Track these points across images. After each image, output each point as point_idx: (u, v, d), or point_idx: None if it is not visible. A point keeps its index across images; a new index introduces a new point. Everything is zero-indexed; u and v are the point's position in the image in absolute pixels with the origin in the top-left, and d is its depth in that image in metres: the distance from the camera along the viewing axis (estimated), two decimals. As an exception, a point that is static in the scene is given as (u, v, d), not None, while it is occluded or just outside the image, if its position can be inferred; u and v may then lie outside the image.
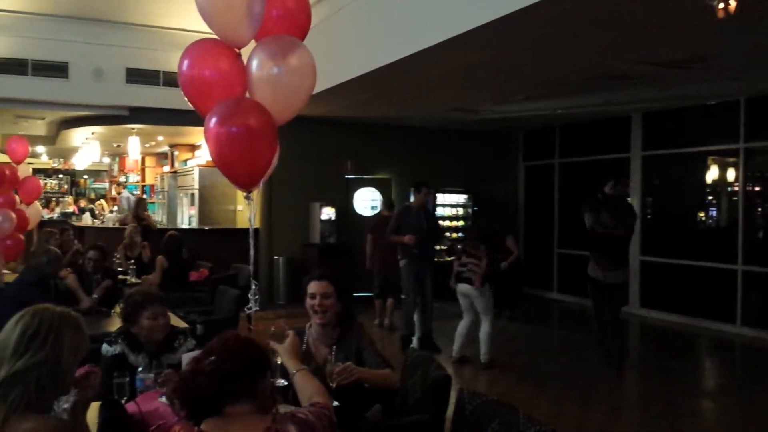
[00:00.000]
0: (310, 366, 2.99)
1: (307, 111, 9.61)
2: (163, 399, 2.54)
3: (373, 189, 10.49)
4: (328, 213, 10.11)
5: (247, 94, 3.08)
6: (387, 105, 9.02)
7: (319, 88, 7.90)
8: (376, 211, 9.83)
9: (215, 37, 3.06)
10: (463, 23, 5.24)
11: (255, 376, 1.79)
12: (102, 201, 16.17)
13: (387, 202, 8.91)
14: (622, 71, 6.69)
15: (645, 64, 6.34)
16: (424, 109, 9.38)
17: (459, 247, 6.73)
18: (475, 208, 10.98)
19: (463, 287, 6.42)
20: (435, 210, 10.37)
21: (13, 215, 7.30)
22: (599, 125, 10.31)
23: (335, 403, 2.50)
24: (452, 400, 2.93)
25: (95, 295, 5.31)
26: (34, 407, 1.72)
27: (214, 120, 2.96)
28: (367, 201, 10.47)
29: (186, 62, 3.07)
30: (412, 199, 7.53)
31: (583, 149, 10.75)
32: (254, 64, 3.01)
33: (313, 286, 2.98)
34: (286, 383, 2.52)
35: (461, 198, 11.07)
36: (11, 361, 1.74)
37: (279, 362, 2.50)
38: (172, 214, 13.07)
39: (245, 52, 3.14)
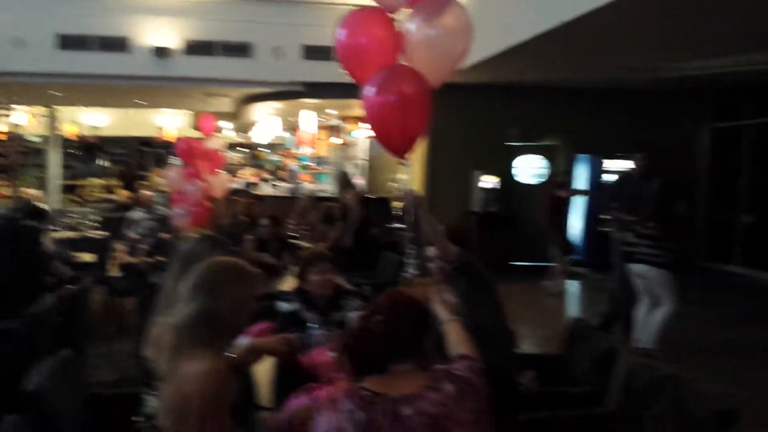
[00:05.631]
0: None
1: (470, 78, 9.55)
2: (332, 354, 2.70)
3: (538, 156, 10.19)
4: (489, 181, 10.01)
5: (403, 59, 3.10)
6: (556, 68, 8.61)
7: (485, 54, 7.80)
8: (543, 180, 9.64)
9: (373, 4, 3.10)
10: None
11: (420, 336, 1.84)
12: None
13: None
14: None
15: None
16: (599, 70, 8.79)
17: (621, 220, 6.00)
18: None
19: (636, 267, 5.69)
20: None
21: (202, 184, 8.01)
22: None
23: None
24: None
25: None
26: (205, 347, 1.88)
27: (369, 89, 3.02)
28: (531, 169, 10.20)
29: (343, 32, 3.14)
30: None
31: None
32: (409, 27, 3.01)
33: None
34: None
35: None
36: (185, 305, 1.95)
37: None
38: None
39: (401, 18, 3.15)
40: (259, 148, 19.50)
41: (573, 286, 8.92)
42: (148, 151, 17.53)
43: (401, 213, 2.90)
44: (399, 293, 1.92)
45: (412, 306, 1.86)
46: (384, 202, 10.67)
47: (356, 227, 7.24)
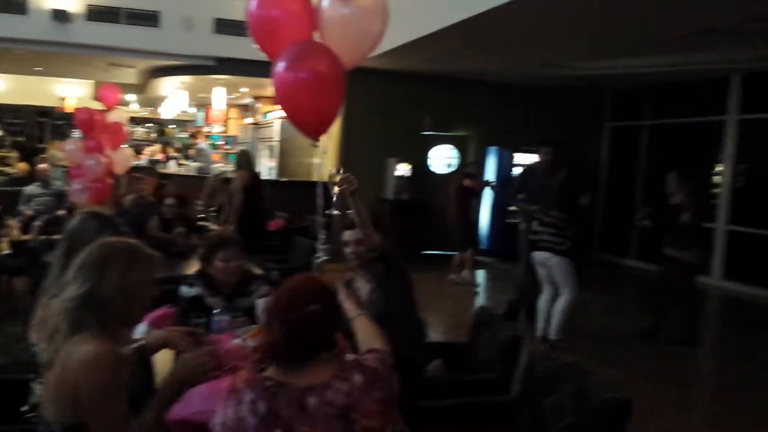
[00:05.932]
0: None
1: (386, 65, 9.56)
2: (238, 341, 2.61)
3: (450, 146, 10.33)
4: (403, 169, 10.07)
5: (317, 36, 3.02)
6: (472, 59, 8.75)
7: (401, 40, 7.82)
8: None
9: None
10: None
11: (339, 324, 1.82)
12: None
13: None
14: (731, 27, 6.26)
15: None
16: (512, 64, 9.03)
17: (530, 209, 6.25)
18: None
19: (538, 255, 5.84)
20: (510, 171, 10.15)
21: (103, 159, 7.60)
22: (693, 86, 9.75)
23: None
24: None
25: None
26: (91, 332, 1.78)
27: (281, 64, 2.92)
28: (443, 159, 10.33)
29: (254, 2, 3.01)
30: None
31: (674, 111, 10.22)
32: (324, 4, 2.94)
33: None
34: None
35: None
36: (71, 286, 1.83)
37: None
38: (252, 165, 13.37)
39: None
40: (168, 125, 18.78)
41: (480, 276, 9.15)
42: (47, 122, 16.51)
43: (328, 197, 2.84)
44: (320, 280, 1.86)
45: (334, 293, 1.83)
46: (295, 186, 10.51)
47: (240, 213, 6.87)
